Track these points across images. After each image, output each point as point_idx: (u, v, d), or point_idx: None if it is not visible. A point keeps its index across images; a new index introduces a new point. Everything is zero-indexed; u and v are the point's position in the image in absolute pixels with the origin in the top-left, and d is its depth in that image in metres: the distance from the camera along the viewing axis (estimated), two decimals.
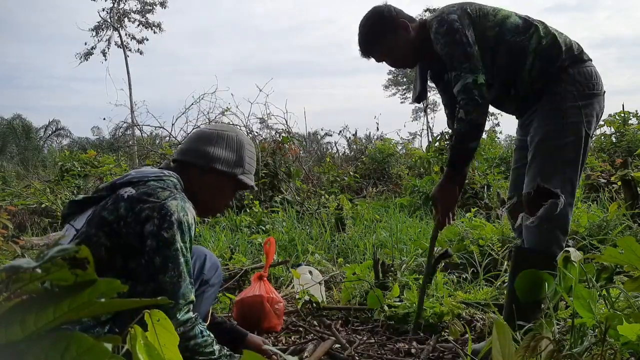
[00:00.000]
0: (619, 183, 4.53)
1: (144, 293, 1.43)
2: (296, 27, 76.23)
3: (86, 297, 0.54)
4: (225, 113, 8.78)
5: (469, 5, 2.04)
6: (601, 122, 9.40)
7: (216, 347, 1.58)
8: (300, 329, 2.52)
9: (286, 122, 8.76)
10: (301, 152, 9.65)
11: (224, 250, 3.96)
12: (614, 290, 1.75)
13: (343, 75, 73.87)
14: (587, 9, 72.91)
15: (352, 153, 13.10)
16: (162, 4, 28.85)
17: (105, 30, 28.37)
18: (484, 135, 7.90)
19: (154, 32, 29.33)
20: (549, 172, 1.93)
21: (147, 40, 29.32)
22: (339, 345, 2.19)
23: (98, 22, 28.24)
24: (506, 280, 2.68)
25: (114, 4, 28.25)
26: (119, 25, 28.42)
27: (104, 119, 37.41)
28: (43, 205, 6.56)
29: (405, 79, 40.12)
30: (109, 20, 28.07)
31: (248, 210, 5.80)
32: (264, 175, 6.77)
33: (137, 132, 12.32)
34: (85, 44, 30.01)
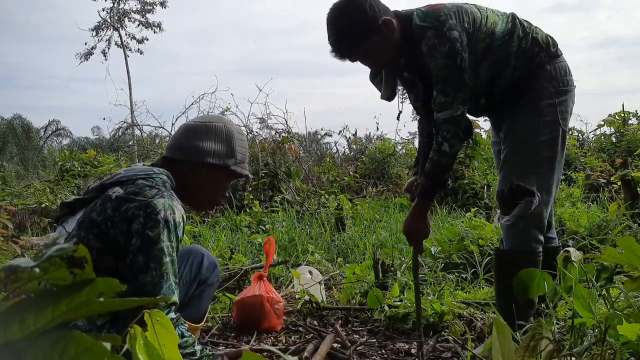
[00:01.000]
0: (619, 183, 4.53)
1: (125, 293, 1.41)
2: (296, 27, 76.20)
3: (84, 296, 0.54)
4: (225, 113, 8.78)
5: (465, 17, 1.88)
6: (601, 122, 9.41)
7: (197, 347, 1.55)
8: (301, 329, 2.52)
9: (286, 122, 8.77)
10: (301, 152, 9.65)
11: (224, 250, 3.96)
12: (614, 290, 1.75)
13: (343, 75, 73.82)
14: (587, 9, 72.87)
15: (352, 153, 13.09)
16: (162, 4, 28.82)
17: (105, 30, 28.35)
18: (484, 135, 7.90)
19: (154, 32, 29.29)
20: (524, 170, 1.91)
21: (147, 40, 29.30)
22: (339, 345, 2.19)
23: (98, 22, 28.22)
24: (494, 286, 2.68)
25: (114, 4, 28.24)
26: (119, 25, 28.40)
27: (104, 119, 37.41)
28: (43, 205, 6.56)
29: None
30: (109, 20, 28.06)
31: (248, 210, 5.80)
32: (264, 175, 6.76)
33: (137, 132, 12.32)
34: (86, 44, 29.94)
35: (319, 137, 21.06)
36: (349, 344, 2.16)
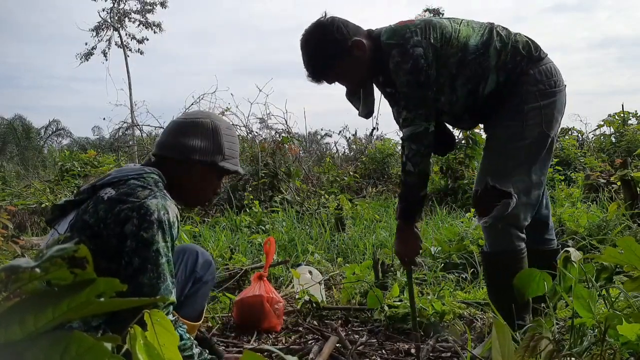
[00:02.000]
0: (619, 183, 4.54)
1: (123, 295, 1.40)
2: (296, 27, 76.11)
3: (85, 296, 0.54)
4: (225, 113, 8.78)
5: (432, 32, 1.86)
6: (601, 122, 9.41)
7: (196, 350, 1.54)
8: (301, 329, 2.52)
9: (286, 122, 8.76)
10: (301, 152, 9.65)
11: (224, 250, 3.96)
12: (614, 290, 1.75)
13: None
14: (587, 9, 72.94)
15: (352, 153, 13.09)
16: (162, 4, 28.82)
17: (105, 31, 28.35)
18: (483, 135, 7.89)
19: (154, 32, 29.31)
20: (501, 172, 1.90)
21: (147, 40, 29.32)
22: (340, 345, 2.19)
23: (98, 22, 28.23)
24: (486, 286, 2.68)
25: (114, 4, 28.24)
26: (119, 25, 28.40)
27: (104, 119, 37.42)
28: (43, 205, 6.56)
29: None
30: (109, 20, 28.06)
31: (248, 210, 5.80)
32: (263, 175, 6.77)
33: (137, 132, 12.32)
34: (86, 44, 29.94)
35: (319, 137, 21.06)
36: (349, 345, 2.16)
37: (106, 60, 27.68)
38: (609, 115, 9.21)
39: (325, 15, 1.94)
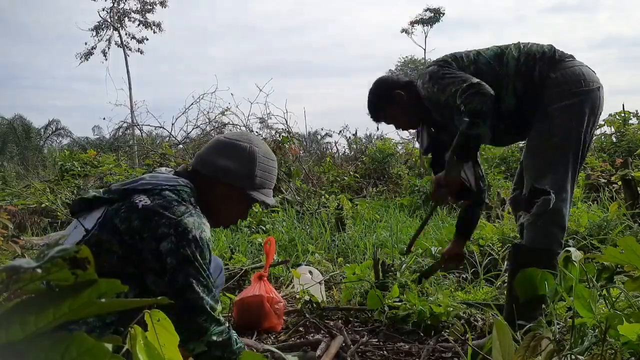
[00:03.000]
0: (619, 183, 4.53)
1: (173, 309, 1.40)
2: (296, 27, 76.29)
3: (86, 297, 0.54)
4: (225, 113, 8.79)
5: (445, 59, 2.15)
6: (601, 122, 9.40)
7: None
8: (301, 328, 2.52)
9: (286, 122, 8.76)
10: (301, 152, 9.65)
11: (224, 250, 3.96)
12: (614, 290, 1.75)
13: (343, 75, 73.88)
14: (587, 9, 72.92)
15: (352, 153, 13.09)
16: (162, 4, 28.83)
17: (105, 30, 28.36)
18: None
19: (154, 32, 29.32)
20: (539, 173, 1.99)
21: (147, 40, 29.33)
22: (343, 344, 2.19)
23: (98, 22, 28.24)
24: (507, 280, 2.69)
25: (113, 3, 28.24)
26: (119, 25, 28.41)
27: (104, 118, 37.42)
28: (43, 205, 6.56)
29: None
30: (109, 20, 28.06)
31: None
32: None
33: (137, 132, 12.32)
34: (86, 43, 29.97)
35: (319, 137, 21.06)
36: (351, 345, 2.16)
37: (106, 60, 27.69)
38: (610, 115, 9.18)
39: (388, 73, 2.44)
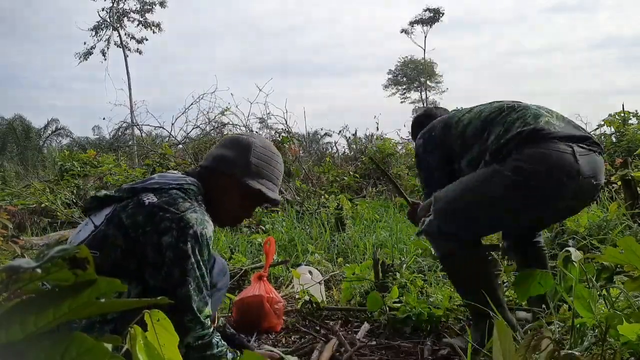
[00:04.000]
0: (619, 183, 4.53)
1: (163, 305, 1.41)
2: (296, 27, 76.32)
3: (86, 297, 0.54)
4: (225, 113, 8.79)
5: (432, 135, 2.24)
6: (601, 122, 9.40)
7: (229, 355, 1.58)
8: (302, 328, 2.52)
9: (286, 122, 8.76)
10: (301, 152, 9.65)
11: (223, 250, 3.96)
12: (614, 290, 1.75)
13: (343, 75, 73.93)
14: (587, 9, 72.97)
15: (352, 153, 13.08)
16: (162, 4, 28.84)
17: (104, 30, 28.36)
18: None
19: (154, 32, 29.33)
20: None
21: (147, 40, 29.33)
22: (340, 346, 2.19)
23: (97, 22, 28.24)
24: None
25: (113, 3, 28.24)
26: (118, 25, 28.41)
27: (104, 118, 37.36)
28: (43, 205, 6.56)
29: (404, 79, 40.15)
30: (109, 20, 28.06)
31: None
32: None
33: (137, 132, 12.32)
34: (85, 43, 29.95)
35: (319, 137, 21.05)
36: (349, 348, 2.16)
37: (105, 60, 27.69)
38: (610, 115, 9.19)
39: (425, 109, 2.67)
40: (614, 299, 1.64)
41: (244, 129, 8.69)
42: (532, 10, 69.46)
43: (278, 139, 7.85)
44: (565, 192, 1.86)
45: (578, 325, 1.39)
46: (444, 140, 2.17)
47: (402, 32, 38.59)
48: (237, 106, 12.76)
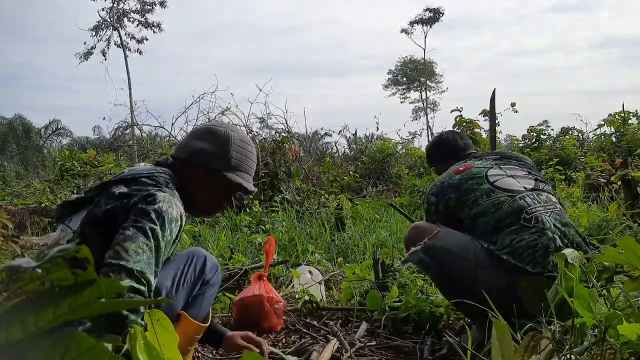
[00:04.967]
0: (619, 183, 4.53)
1: (102, 259, 1.33)
2: (296, 27, 76.34)
3: (86, 297, 0.54)
4: (225, 113, 8.77)
5: (438, 198, 2.22)
6: (601, 122, 9.41)
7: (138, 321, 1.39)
8: (301, 329, 2.52)
9: (286, 122, 8.75)
10: (301, 152, 9.65)
11: (224, 250, 3.96)
12: (614, 290, 1.75)
13: (343, 75, 73.95)
14: (587, 8, 72.97)
15: (352, 153, 13.09)
16: (162, 4, 28.85)
17: (104, 30, 28.37)
18: (484, 135, 7.88)
19: (154, 32, 29.34)
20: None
21: (147, 40, 29.34)
22: (340, 346, 2.19)
23: (98, 22, 28.24)
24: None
25: (113, 3, 28.24)
26: (118, 25, 28.41)
27: (104, 118, 37.37)
28: (43, 205, 6.56)
29: (404, 79, 40.13)
30: (109, 20, 28.05)
31: (248, 210, 5.80)
32: (263, 175, 6.76)
33: (137, 132, 12.32)
34: (85, 43, 29.93)
35: (319, 137, 21.06)
36: (348, 347, 2.16)
37: (105, 60, 27.69)
38: (610, 115, 9.19)
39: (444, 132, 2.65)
40: (614, 299, 1.64)
41: (244, 128, 8.68)
42: (532, 10, 69.50)
43: (278, 139, 7.84)
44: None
45: (578, 325, 1.39)
46: (455, 212, 2.15)
47: (402, 32, 38.59)
48: (237, 106, 12.75)
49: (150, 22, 29.15)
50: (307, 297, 2.72)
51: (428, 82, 39.43)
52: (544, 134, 10.29)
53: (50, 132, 28.83)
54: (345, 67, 74.54)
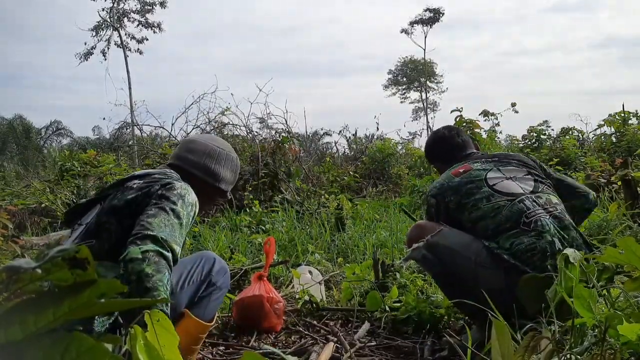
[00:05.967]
0: (619, 183, 4.53)
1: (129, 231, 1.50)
2: (296, 27, 76.38)
3: (86, 297, 0.54)
4: (225, 113, 8.78)
5: (438, 199, 2.21)
6: (601, 122, 9.40)
7: (165, 293, 1.40)
8: (301, 329, 2.52)
9: (286, 122, 8.74)
10: (301, 152, 9.65)
11: (224, 250, 3.96)
12: (614, 290, 1.75)
13: (343, 75, 73.97)
14: (587, 9, 72.95)
15: (352, 153, 13.09)
16: (162, 4, 28.85)
17: (105, 30, 28.36)
18: (484, 135, 7.89)
19: (154, 32, 29.34)
20: None
21: (147, 40, 29.34)
22: (340, 345, 2.19)
23: (98, 22, 28.24)
24: None
25: (113, 3, 28.24)
26: (118, 25, 28.41)
27: (104, 118, 37.38)
28: (43, 205, 6.56)
29: (404, 79, 40.14)
30: (109, 20, 28.05)
31: (248, 210, 5.80)
32: (263, 175, 6.76)
33: (137, 132, 12.32)
34: (85, 43, 29.93)
35: (319, 137, 21.07)
36: (348, 347, 2.16)
37: (105, 60, 27.69)
38: (610, 115, 9.19)
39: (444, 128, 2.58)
40: (614, 299, 1.64)
41: (244, 128, 8.69)
42: (533, 10, 69.43)
43: (278, 139, 7.84)
44: None
45: (578, 325, 1.39)
46: (454, 215, 2.14)
47: (402, 32, 38.58)
48: (237, 106, 12.76)
49: (150, 22, 29.15)
50: (307, 298, 2.72)
51: (428, 82, 39.44)
52: (544, 134, 10.30)
53: (51, 132, 28.84)
54: (345, 67, 74.58)
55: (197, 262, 1.85)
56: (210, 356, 2.20)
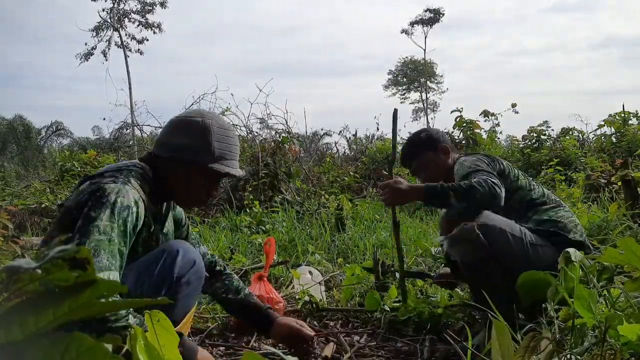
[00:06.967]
0: (619, 183, 4.53)
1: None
2: (296, 27, 76.42)
3: (86, 297, 0.54)
4: (225, 113, 8.77)
5: (495, 162, 2.25)
6: (601, 122, 9.40)
7: (132, 320, 1.33)
8: None
9: (286, 122, 8.74)
10: (301, 152, 9.65)
11: (224, 250, 3.96)
12: (614, 290, 1.75)
13: (343, 75, 74.02)
14: (587, 9, 72.99)
15: (352, 153, 13.09)
16: (162, 4, 28.87)
17: (105, 31, 28.39)
18: (484, 135, 7.89)
19: (154, 33, 29.37)
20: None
21: (147, 40, 29.37)
22: (339, 345, 2.19)
23: (98, 22, 28.26)
24: None
25: (114, 4, 28.26)
26: (119, 26, 28.43)
27: (104, 119, 37.45)
28: (43, 205, 6.56)
29: (405, 79, 40.15)
30: (109, 21, 28.07)
31: (248, 211, 5.80)
32: (263, 175, 6.76)
33: (137, 132, 12.31)
34: (86, 44, 30.05)
35: (319, 137, 21.07)
36: (348, 348, 2.16)
37: (106, 60, 27.72)
38: (610, 115, 9.19)
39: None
40: (614, 300, 1.64)
41: (244, 129, 8.69)
42: (533, 10, 69.58)
43: (278, 139, 7.84)
44: None
45: (578, 326, 1.39)
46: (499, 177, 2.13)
47: (402, 32, 38.61)
48: (237, 106, 12.78)
49: (150, 22, 29.18)
50: (307, 298, 2.71)
51: (428, 82, 39.45)
52: (544, 135, 10.30)
53: (51, 132, 28.85)
54: (345, 67, 74.65)
55: (157, 257, 1.61)
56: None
